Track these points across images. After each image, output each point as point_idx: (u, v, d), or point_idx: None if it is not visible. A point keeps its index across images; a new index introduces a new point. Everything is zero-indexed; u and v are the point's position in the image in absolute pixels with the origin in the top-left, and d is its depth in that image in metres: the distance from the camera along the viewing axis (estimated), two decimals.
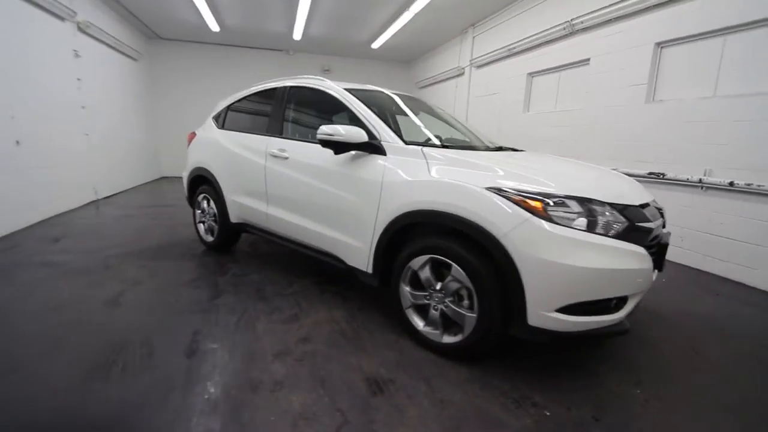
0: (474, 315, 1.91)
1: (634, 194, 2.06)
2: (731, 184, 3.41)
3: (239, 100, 3.60)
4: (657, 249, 1.94)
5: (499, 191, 1.81)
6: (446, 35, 8.35)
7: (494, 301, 1.84)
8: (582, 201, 1.77)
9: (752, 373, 2.13)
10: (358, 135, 2.29)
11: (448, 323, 2.07)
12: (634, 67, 4.29)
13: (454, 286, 1.98)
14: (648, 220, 1.93)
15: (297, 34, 8.45)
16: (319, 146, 2.57)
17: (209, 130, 3.75)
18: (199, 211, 3.87)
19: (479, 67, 7.45)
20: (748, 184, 3.30)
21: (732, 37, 3.46)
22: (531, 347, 2.23)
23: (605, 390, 1.89)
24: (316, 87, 2.87)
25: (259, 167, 3.05)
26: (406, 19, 7.04)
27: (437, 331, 2.09)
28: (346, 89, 2.71)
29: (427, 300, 2.11)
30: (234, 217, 3.45)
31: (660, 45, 4.07)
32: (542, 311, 1.73)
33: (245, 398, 1.71)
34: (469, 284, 1.90)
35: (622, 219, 1.81)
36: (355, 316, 2.55)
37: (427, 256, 2.05)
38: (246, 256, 3.76)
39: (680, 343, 2.40)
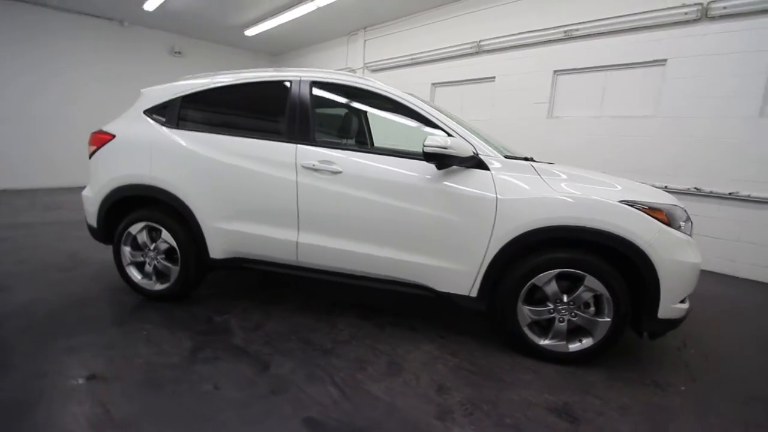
0: (608, 320, 2.05)
1: None
2: None
3: (206, 91, 2.62)
4: None
5: (632, 204, 1.99)
6: (332, 33, 8.12)
7: (628, 304, 2.02)
8: (682, 209, 2.13)
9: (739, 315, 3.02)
10: (465, 148, 2.08)
11: (569, 333, 2.14)
12: (537, 88, 5.24)
13: (587, 296, 2.06)
14: None
15: (151, 4, 6.60)
16: (395, 159, 2.24)
17: (147, 130, 2.60)
18: (129, 248, 2.66)
19: (375, 71, 7.56)
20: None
21: (613, 72, 4.68)
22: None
23: (681, 358, 2.34)
24: (366, 87, 2.39)
25: (283, 184, 2.33)
26: (305, 11, 6.49)
27: (562, 342, 2.14)
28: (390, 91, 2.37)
29: (552, 313, 2.12)
30: (219, 252, 2.53)
31: (557, 72, 5.11)
32: (671, 304, 2.01)
33: None
34: (605, 292, 2.02)
35: (689, 220, 2.27)
36: (452, 347, 2.31)
37: (556, 270, 2.06)
38: (215, 298, 2.81)
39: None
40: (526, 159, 2.28)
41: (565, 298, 2.09)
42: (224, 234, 2.49)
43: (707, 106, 3.96)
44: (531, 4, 5.21)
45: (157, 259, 2.64)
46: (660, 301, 1.99)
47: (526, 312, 2.14)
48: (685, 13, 3.97)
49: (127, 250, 2.66)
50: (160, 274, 2.67)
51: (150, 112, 2.67)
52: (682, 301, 2.08)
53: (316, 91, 2.47)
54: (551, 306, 2.11)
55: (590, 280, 2.03)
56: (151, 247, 2.63)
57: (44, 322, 2.35)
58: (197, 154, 2.47)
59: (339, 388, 1.86)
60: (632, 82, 4.52)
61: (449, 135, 2.20)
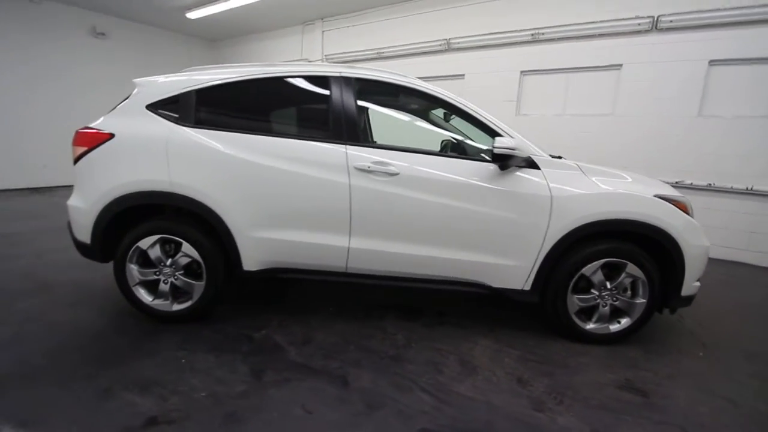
0: (644, 301, 2.30)
1: None
2: None
3: (228, 85, 2.33)
4: None
5: (663, 198, 2.25)
6: (284, 21, 7.68)
7: (659, 287, 2.30)
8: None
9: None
10: (527, 149, 2.16)
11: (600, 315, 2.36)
12: (506, 87, 5.56)
13: (627, 281, 2.29)
14: None
15: None
16: (450, 160, 2.25)
17: (157, 129, 2.25)
18: (137, 266, 2.29)
19: (334, 62, 7.34)
20: None
21: (575, 74, 5.14)
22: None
23: (685, 327, 2.71)
24: (414, 87, 2.34)
25: (334, 187, 2.19)
26: None
27: (605, 325, 2.35)
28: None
29: (596, 300, 2.32)
30: (255, 263, 2.31)
31: (523, 72, 5.46)
32: (691, 283, 2.32)
33: None
34: (642, 276, 2.26)
35: None
36: (505, 340, 2.39)
37: (603, 260, 2.25)
38: (233, 312, 2.56)
39: None
40: (559, 157, 2.43)
41: (608, 285, 2.30)
42: (262, 243, 2.27)
43: (656, 106, 4.57)
44: (500, 7, 5.48)
45: (175, 275, 2.31)
46: (684, 281, 2.29)
47: (575, 301, 2.31)
48: (639, 24, 4.52)
49: (134, 268, 2.29)
50: (179, 293, 2.35)
51: (154, 107, 2.31)
52: (697, 280, 2.41)
53: (361, 89, 2.35)
54: (596, 293, 2.31)
55: (631, 267, 2.25)
56: (167, 263, 2.29)
57: (45, 365, 1.94)
58: (230, 157, 2.20)
59: (430, 393, 1.84)
60: (592, 84, 5.02)
61: (498, 135, 2.26)
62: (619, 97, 4.80)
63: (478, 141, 2.44)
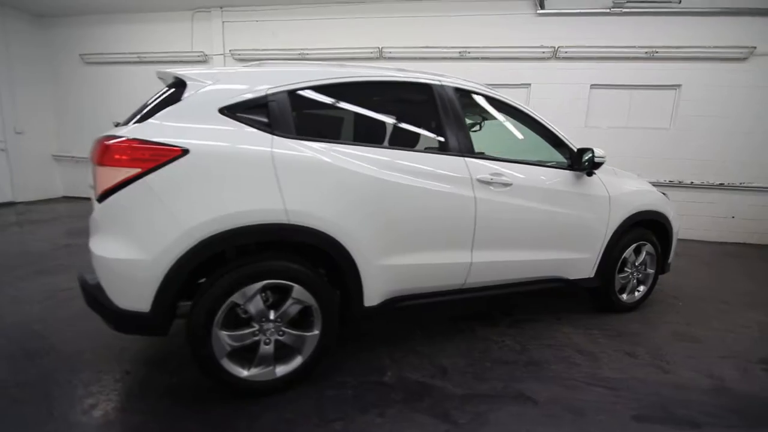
0: (653, 271, 2.99)
1: None
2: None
3: (329, 86, 1.91)
4: None
5: (663, 194, 2.98)
6: (160, 3, 6.36)
7: (659, 261, 3.02)
8: None
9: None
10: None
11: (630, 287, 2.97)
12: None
13: (648, 258, 2.94)
14: None
15: None
16: (541, 168, 2.47)
17: (252, 141, 1.69)
18: (228, 331, 1.69)
19: (241, 60, 6.47)
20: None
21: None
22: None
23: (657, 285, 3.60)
24: (500, 98, 2.43)
25: (462, 202, 2.09)
26: None
27: (632, 295, 2.95)
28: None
29: (630, 277, 2.89)
30: (377, 296, 1.99)
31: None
32: (672, 254, 3.14)
33: None
34: (653, 252, 2.94)
35: None
36: (580, 324, 2.71)
37: (635, 244, 2.83)
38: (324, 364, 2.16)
39: None
40: None
41: (636, 263, 2.89)
42: (387, 272, 1.98)
43: (556, 119, 5.68)
44: (431, 23, 5.88)
45: (282, 330, 1.79)
46: (671, 251, 3.08)
47: (619, 279, 2.82)
48: (543, 52, 5.60)
49: (224, 334, 1.67)
50: (286, 352, 1.83)
51: (231, 111, 1.72)
52: None
53: (459, 99, 2.28)
54: (629, 271, 2.87)
55: (648, 247, 2.90)
56: (272, 317, 1.75)
57: None
58: (350, 174, 1.84)
59: (596, 385, 2.00)
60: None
61: (566, 145, 2.58)
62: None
63: (544, 150, 2.70)
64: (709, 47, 5.16)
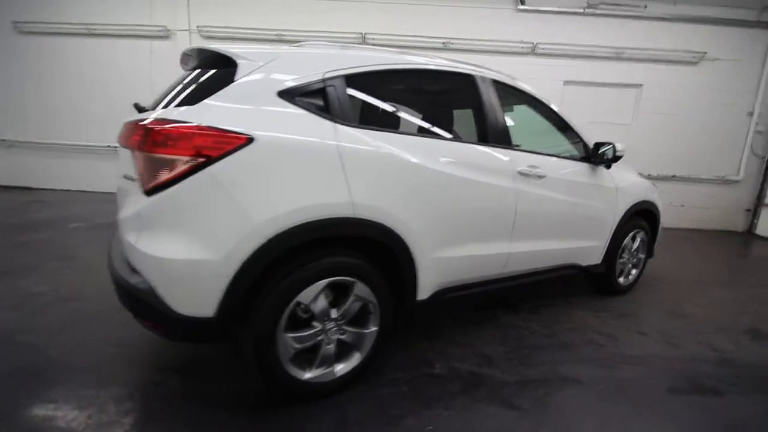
0: (644, 256, 3.27)
1: None
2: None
3: (386, 72, 1.83)
4: None
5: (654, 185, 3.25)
6: None
7: (649, 246, 3.30)
8: None
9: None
10: None
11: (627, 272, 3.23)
12: None
13: (641, 245, 3.20)
14: None
15: None
16: (565, 160, 2.58)
17: (316, 129, 1.57)
18: (291, 333, 1.58)
19: (211, 38, 5.98)
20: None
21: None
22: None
23: None
24: (534, 95, 2.51)
25: (505, 193, 2.11)
26: None
27: (627, 279, 3.21)
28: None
29: (628, 262, 3.13)
30: (428, 288, 1.97)
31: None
32: (658, 238, 3.45)
33: None
34: (645, 238, 3.21)
35: None
36: (587, 306, 2.90)
37: (633, 232, 3.07)
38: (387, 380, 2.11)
39: None
40: None
41: (632, 250, 3.14)
42: (439, 264, 1.97)
43: None
44: (416, 11, 5.80)
45: (342, 329, 1.71)
46: (657, 235, 3.38)
47: (619, 264, 3.05)
48: (523, 48, 5.80)
49: (289, 337, 1.56)
50: (344, 351, 1.75)
51: (290, 95, 1.58)
52: None
53: (497, 91, 2.28)
54: (627, 257, 3.12)
55: (642, 234, 3.16)
56: (334, 315, 1.67)
57: None
58: (411, 165, 1.78)
59: (629, 364, 2.16)
60: None
61: (582, 139, 2.70)
62: None
63: (562, 143, 2.80)
64: (668, 50, 5.67)
